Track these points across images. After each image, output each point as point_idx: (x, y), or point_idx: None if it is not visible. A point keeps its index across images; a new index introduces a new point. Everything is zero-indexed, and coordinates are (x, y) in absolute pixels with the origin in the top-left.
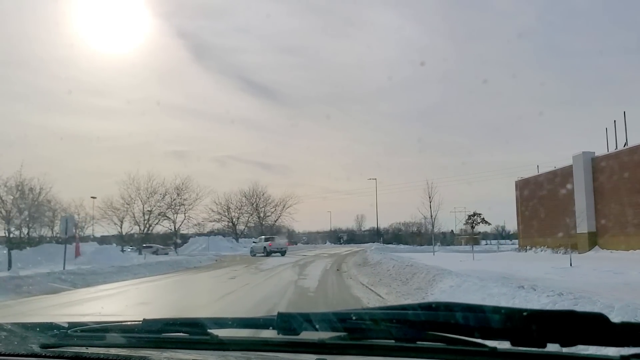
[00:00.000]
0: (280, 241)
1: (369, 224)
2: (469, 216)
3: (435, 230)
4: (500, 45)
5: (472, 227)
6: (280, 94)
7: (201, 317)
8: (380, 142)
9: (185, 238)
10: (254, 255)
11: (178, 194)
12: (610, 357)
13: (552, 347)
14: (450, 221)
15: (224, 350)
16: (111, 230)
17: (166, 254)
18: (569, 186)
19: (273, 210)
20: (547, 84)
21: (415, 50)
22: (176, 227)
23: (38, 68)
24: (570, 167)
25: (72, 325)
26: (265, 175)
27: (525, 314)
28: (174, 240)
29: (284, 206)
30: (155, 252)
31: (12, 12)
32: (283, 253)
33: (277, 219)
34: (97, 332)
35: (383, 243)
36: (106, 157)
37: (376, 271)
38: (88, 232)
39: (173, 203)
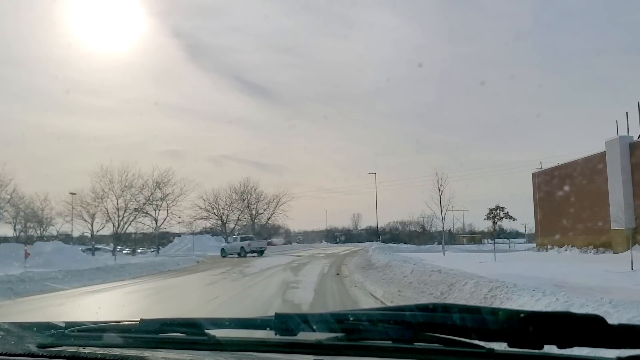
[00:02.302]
0: (259, 241)
1: (365, 223)
2: (491, 210)
3: (434, 229)
4: (498, 46)
5: (495, 223)
6: (276, 94)
7: (198, 317)
8: (376, 141)
9: (172, 237)
10: (225, 256)
11: (159, 188)
12: (607, 359)
13: (549, 349)
14: (448, 220)
15: (221, 350)
16: (80, 228)
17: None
18: (600, 176)
19: (266, 207)
20: (545, 84)
21: (412, 50)
22: (158, 225)
23: (34, 68)
24: (602, 154)
25: (69, 324)
26: (261, 174)
27: (522, 315)
28: (156, 239)
29: (277, 203)
30: (132, 252)
31: (9, 12)
32: (260, 253)
33: (270, 217)
34: (94, 332)
35: (382, 242)
36: (102, 156)
37: (388, 277)
38: (65, 229)
39: (151, 197)
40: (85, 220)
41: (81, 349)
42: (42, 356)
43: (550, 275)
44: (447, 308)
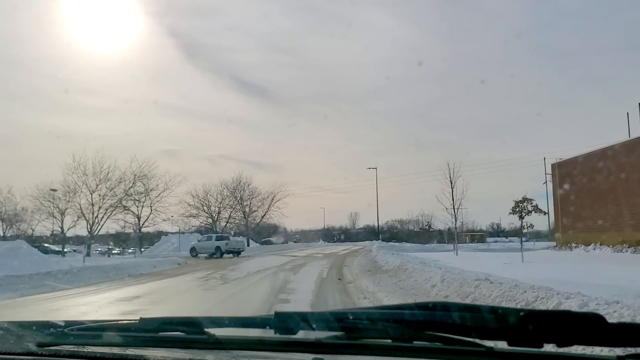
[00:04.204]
0: (237, 241)
1: (363, 222)
2: (517, 203)
3: (434, 227)
4: (496, 45)
5: (521, 218)
6: (274, 94)
7: (198, 316)
8: (375, 141)
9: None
10: (196, 255)
11: (142, 183)
12: (606, 357)
13: (549, 347)
14: (445, 218)
15: (220, 349)
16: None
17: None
18: (637, 165)
19: (260, 204)
20: (544, 83)
21: (410, 50)
22: (140, 223)
23: (32, 67)
24: (638, 140)
25: (69, 324)
26: (259, 174)
27: (522, 314)
28: (136, 238)
29: (272, 199)
30: (108, 254)
31: (7, 12)
32: (237, 254)
33: (264, 214)
34: (93, 331)
35: (382, 241)
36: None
37: (408, 286)
38: (41, 229)
39: (129, 192)
40: (55, 217)
41: (80, 348)
42: (41, 355)
43: (611, 281)
44: (447, 307)
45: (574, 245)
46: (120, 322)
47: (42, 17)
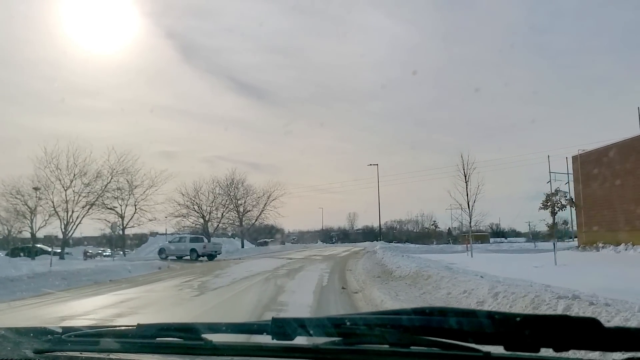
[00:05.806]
0: (214, 243)
1: (361, 223)
2: (548, 196)
3: (431, 228)
4: (494, 46)
5: (554, 213)
6: (272, 95)
7: (195, 322)
8: (372, 142)
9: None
10: (166, 258)
11: (126, 179)
12: None
13: (546, 352)
14: (446, 219)
15: (217, 355)
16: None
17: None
18: None
19: (255, 203)
20: (544, 84)
21: (407, 51)
22: (124, 223)
23: (30, 70)
24: None
25: (66, 330)
26: (256, 175)
27: (518, 319)
28: (114, 239)
29: (268, 198)
30: (85, 256)
31: (4, 16)
32: (211, 257)
33: (260, 214)
34: (91, 337)
35: (384, 242)
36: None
37: (437, 299)
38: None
39: (108, 188)
40: (23, 215)
41: (78, 354)
42: None
43: None
44: (443, 312)
45: (600, 245)
46: (117, 328)
47: (40, 18)
